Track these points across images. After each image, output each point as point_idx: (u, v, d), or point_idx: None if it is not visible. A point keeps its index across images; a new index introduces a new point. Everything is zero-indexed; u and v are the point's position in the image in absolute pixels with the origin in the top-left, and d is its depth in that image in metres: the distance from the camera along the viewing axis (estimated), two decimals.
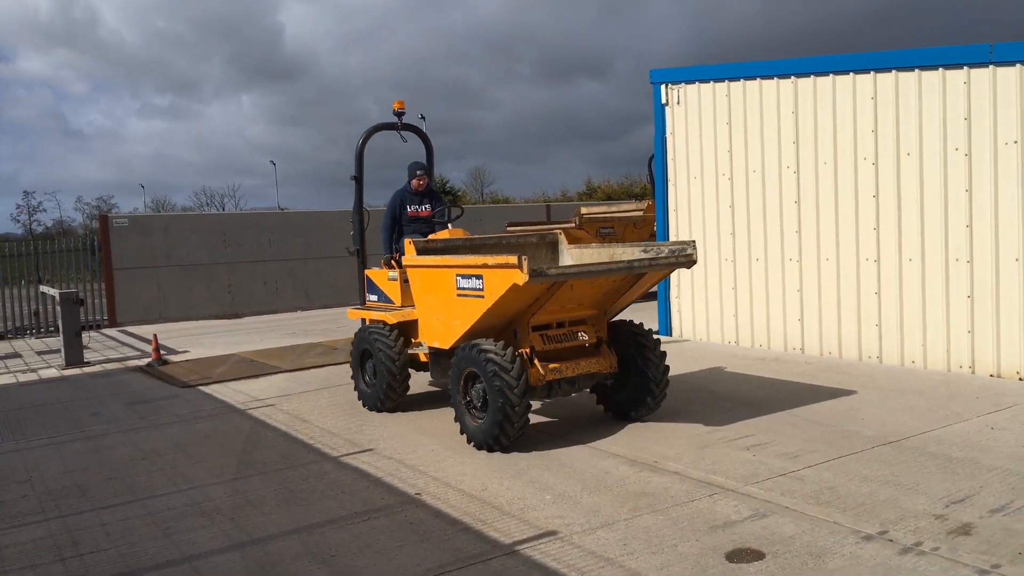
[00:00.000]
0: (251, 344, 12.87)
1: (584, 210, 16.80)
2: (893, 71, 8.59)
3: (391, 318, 7.49)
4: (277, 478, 5.79)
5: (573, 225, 16.12)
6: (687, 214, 11.05)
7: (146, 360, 11.49)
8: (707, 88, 10.67)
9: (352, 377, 7.94)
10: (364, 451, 6.36)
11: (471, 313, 6.16)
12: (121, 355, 12.55)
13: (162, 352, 11.84)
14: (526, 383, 5.89)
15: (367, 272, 8.42)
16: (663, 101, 11.27)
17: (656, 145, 11.46)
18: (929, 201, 8.36)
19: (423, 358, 7.27)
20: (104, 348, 13.61)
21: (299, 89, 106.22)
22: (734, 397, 7.53)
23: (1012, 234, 7.74)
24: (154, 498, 5.51)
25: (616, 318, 6.95)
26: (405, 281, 7.51)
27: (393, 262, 7.88)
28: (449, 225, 8.35)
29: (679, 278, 11.15)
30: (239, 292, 18.52)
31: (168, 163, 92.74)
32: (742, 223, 10.29)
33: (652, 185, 13.19)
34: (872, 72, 8.78)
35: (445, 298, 6.48)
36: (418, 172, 8.30)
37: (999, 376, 7.86)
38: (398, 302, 7.76)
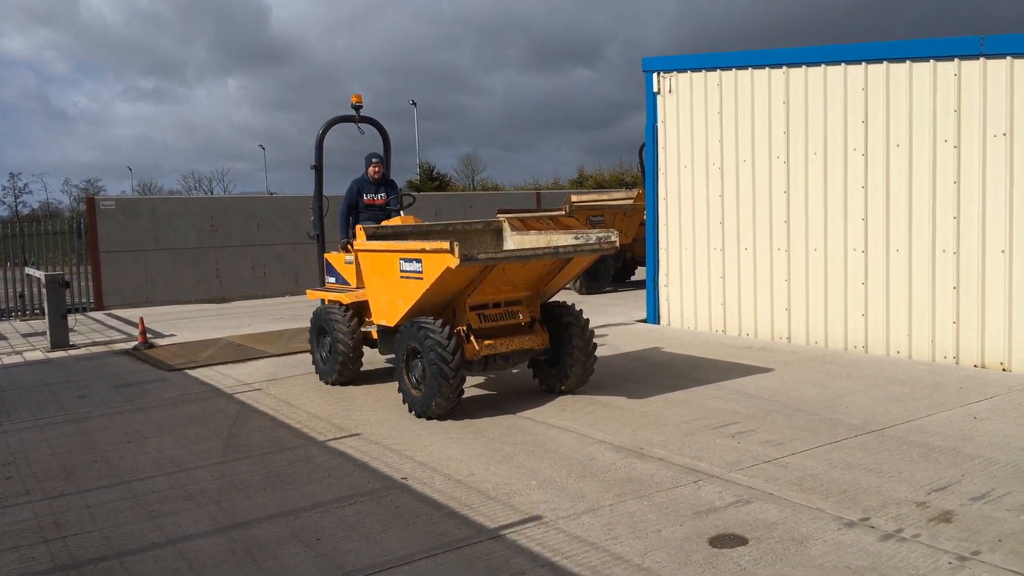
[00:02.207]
0: (239, 328, 12.82)
1: (575, 198, 16.78)
2: (884, 62, 8.60)
3: (346, 298, 8.04)
4: (263, 462, 5.79)
5: (563, 213, 16.09)
6: (677, 203, 11.06)
7: (132, 343, 11.44)
8: (699, 77, 10.65)
9: (311, 351, 8.45)
10: (351, 435, 6.36)
11: (412, 293, 6.71)
12: (107, 338, 12.48)
13: (149, 336, 11.78)
14: (461, 357, 6.47)
15: (326, 256, 8.91)
16: (655, 90, 11.24)
17: (647, 134, 11.45)
18: (917, 192, 8.40)
19: (375, 335, 7.74)
20: (90, 331, 13.53)
21: (286, 73, 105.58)
22: (720, 384, 7.57)
23: (999, 226, 7.78)
24: (139, 481, 5.49)
25: (552, 300, 7.58)
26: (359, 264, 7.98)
27: (349, 246, 8.29)
28: (401, 212, 8.96)
29: (668, 266, 11.18)
30: (227, 276, 18.43)
31: (154, 146, 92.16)
32: (731, 212, 10.31)
33: (643, 174, 13.18)
34: (863, 63, 8.78)
35: (391, 280, 7.00)
36: (373, 160, 8.91)
37: (983, 366, 7.93)
38: (353, 284, 8.26)
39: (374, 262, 7.30)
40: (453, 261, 6.05)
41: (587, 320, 7.33)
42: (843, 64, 8.95)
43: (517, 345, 6.94)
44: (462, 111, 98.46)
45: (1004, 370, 7.77)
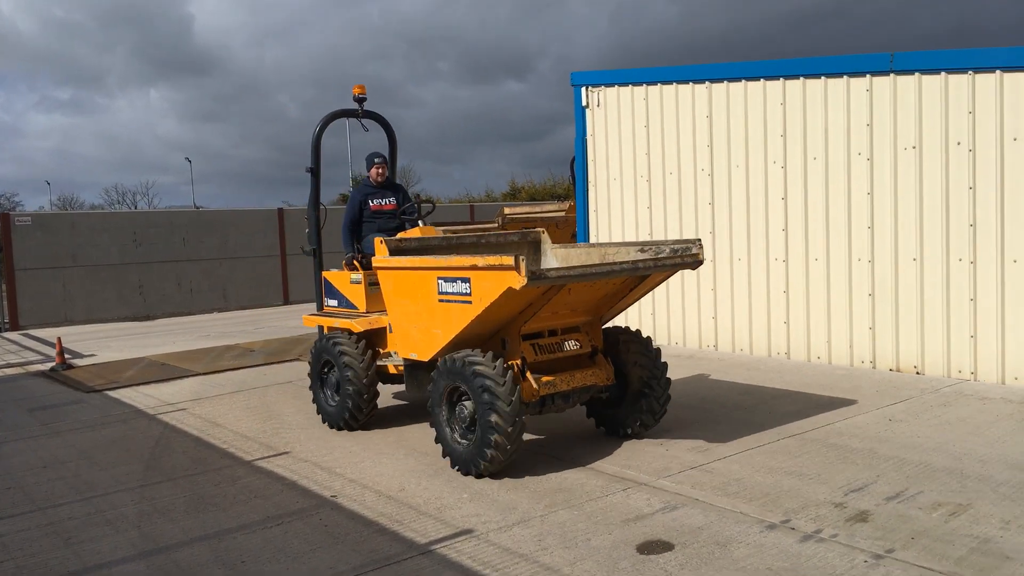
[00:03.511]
0: (163, 347, 12.45)
1: (507, 210, 16.86)
2: (801, 78, 8.92)
3: (357, 326, 6.77)
4: (187, 484, 5.63)
5: (496, 226, 16.16)
6: (607, 215, 11.23)
7: (49, 364, 10.99)
8: (626, 91, 10.86)
9: (312, 389, 7.14)
10: (279, 454, 6.24)
11: (456, 321, 5.47)
12: (23, 359, 11.96)
13: (67, 356, 11.34)
14: (520, 400, 5.23)
15: (325, 274, 7.65)
16: (584, 103, 11.42)
17: (577, 147, 11.61)
18: (834, 203, 8.73)
19: (393, 370, 6.65)
20: (4, 352, 12.96)
21: (212, 84, 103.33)
22: None
23: (910, 235, 8.14)
24: (55, 507, 5.28)
25: (608, 324, 6.44)
26: (372, 284, 6.90)
27: (356, 263, 7.21)
28: (420, 222, 7.57)
29: None
30: (151, 293, 17.90)
31: (74, 159, 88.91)
32: (659, 224, 10.52)
33: (575, 186, 13.35)
34: (781, 79, 9.10)
35: (424, 304, 5.73)
36: (376, 160, 7.66)
37: (898, 370, 8.26)
38: (362, 308, 7.08)
39: (401, 282, 5.99)
40: (518, 280, 4.85)
41: (658, 348, 6.20)
42: (762, 80, 9.26)
43: (580, 381, 5.76)
44: (395, 124, 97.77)
45: (917, 373, 8.11)
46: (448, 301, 5.51)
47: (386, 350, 6.80)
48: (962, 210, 7.74)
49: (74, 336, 14.40)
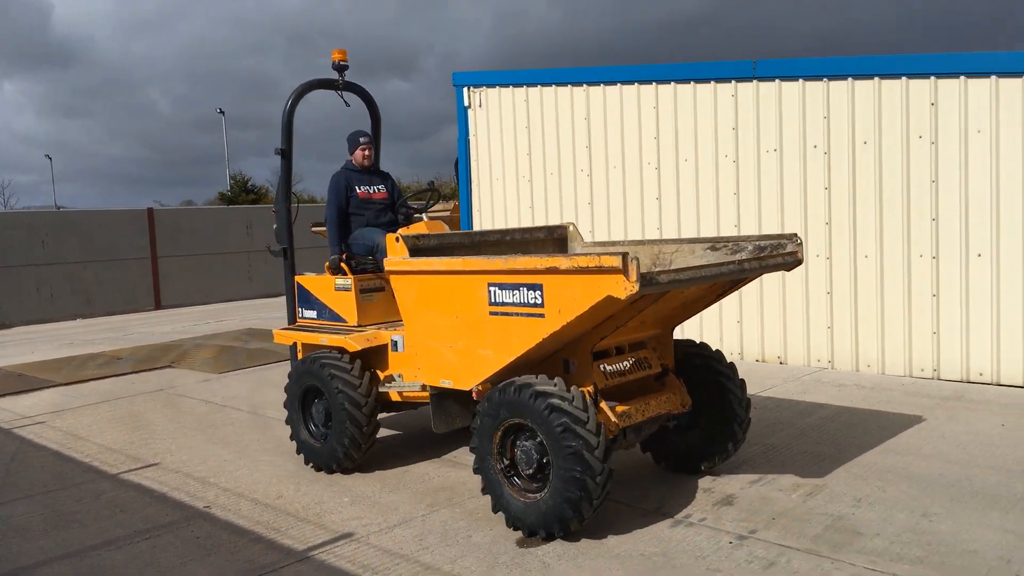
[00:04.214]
0: (19, 356, 11.63)
1: None
2: (672, 83, 9.28)
3: (352, 343, 5.51)
4: (46, 501, 5.29)
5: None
6: (491, 215, 11.32)
7: None
8: (507, 92, 10.98)
9: (288, 422, 5.83)
10: (148, 466, 5.96)
11: (518, 340, 4.34)
12: None
13: None
14: (607, 442, 4.15)
15: (299, 279, 6.34)
16: (466, 104, 11.46)
17: (460, 147, 11.64)
18: (704, 203, 9.12)
19: (396, 397, 5.51)
20: None
21: (74, 77, 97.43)
22: None
23: (769, 232, 8.61)
24: None
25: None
26: (365, 291, 5.90)
27: (344, 265, 6.02)
28: (424, 216, 6.41)
29: None
30: (7, 299, 16.66)
31: None
32: (541, 224, 10.68)
33: (459, 186, 13.37)
34: (654, 83, 9.43)
35: (467, 318, 4.59)
36: (362, 140, 6.37)
37: (763, 360, 8.73)
38: (353, 320, 5.89)
39: (429, 290, 4.80)
40: (625, 287, 3.76)
41: (733, 364, 5.19)
42: (636, 84, 9.57)
43: (655, 410, 4.75)
44: (274, 120, 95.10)
45: (781, 363, 8.60)
46: (505, 314, 4.36)
47: (387, 372, 5.60)
48: (819, 209, 8.26)
49: None
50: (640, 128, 9.58)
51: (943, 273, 7.56)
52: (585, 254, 3.99)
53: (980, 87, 7.28)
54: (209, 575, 4.06)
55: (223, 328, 13.70)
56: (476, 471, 4.52)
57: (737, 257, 4.83)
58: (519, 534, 4.35)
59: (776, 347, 8.67)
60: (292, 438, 5.80)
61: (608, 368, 4.67)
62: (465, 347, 4.67)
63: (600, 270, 3.85)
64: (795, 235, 4.77)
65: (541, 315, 4.19)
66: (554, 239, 6.09)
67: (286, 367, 9.62)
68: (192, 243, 19.24)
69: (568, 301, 4.06)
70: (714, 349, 5.21)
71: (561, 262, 4.05)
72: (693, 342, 5.28)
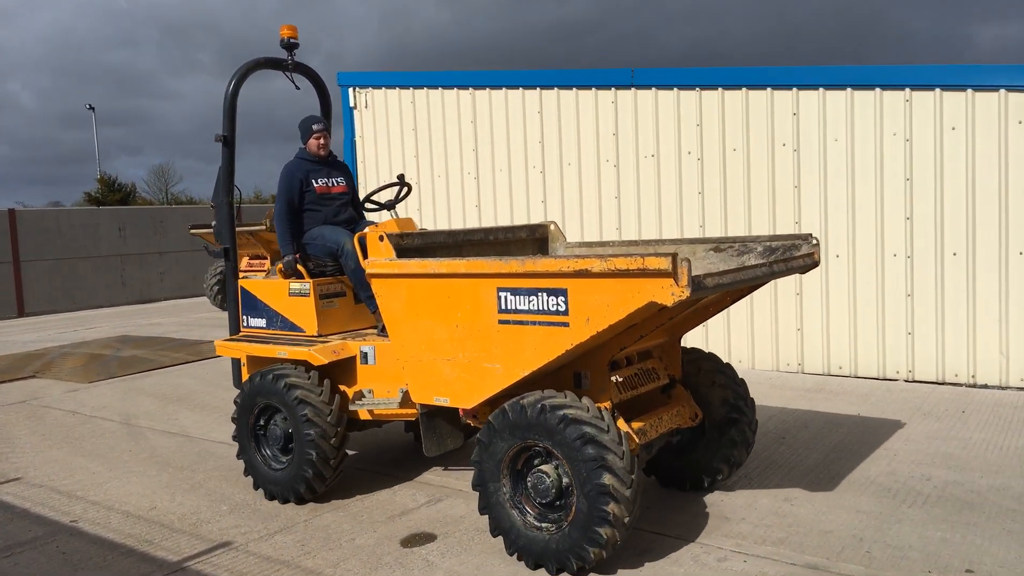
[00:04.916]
0: None
1: None
2: (555, 88, 9.49)
3: (317, 356, 4.87)
4: None
5: (264, 228, 15.56)
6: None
7: None
8: (393, 94, 10.93)
9: (240, 455, 5.23)
10: (7, 481, 5.61)
11: (535, 352, 3.90)
12: None
13: None
14: (635, 466, 3.75)
15: (244, 283, 5.65)
16: (352, 105, 11.33)
17: (346, 148, 11.49)
18: (587, 206, 9.38)
19: (365, 415, 5.01)
20: None
21: None
22: None
23: (650, 235, 8.95)
24: None
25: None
26: (325, 297, 5.32)
27: (301, 268, 5.36)
28: (396, 211, 5.95)
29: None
30: None
31: None
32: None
33: None
34: (538, 88, 9.62)
35: (470, 327, 4.12)
36: (315, 128, 5.67)
37: None
38: (312, 329, 5.23)
39: (422, 295, 4.28)
40: (673, 291, 3.40)
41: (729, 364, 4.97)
42: (521, 88, 9.73)
43: (667, 424, 4.44)
44: (148, 117, 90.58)
45: None
46: (519, 323, 3.91)
47: (355, 388, 5.06)
48: (693, 214, 8.65)
49: None
50: (525, 132, 9.75)
51: (807, 277, 8.07)
52: (616, 255, 3.57)
53: (837, 98, 7.82)
54: None
55: (93, 335, 12.99)
56: (482, 509, 4.05)
57: (769, 260, 4.48)
58: (404, 535, 4.37)
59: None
60: (247, 473, 5.20)
61: (621, 379, 4.30)
62: (467, 360, 4.18)
63: (644, 273, 3.46)
64: (810, 235, 4.50)
65: (564, 324, 3.75)
66: (535, 239, 5.68)
67: (161, 375, 9.27)
68: (59, 247, 18.14)
69: (599, 308, 3.63)
70: (706, 351, 4.97)
71: (594, 264, 3.60)
72: (696, 349, 5.00)
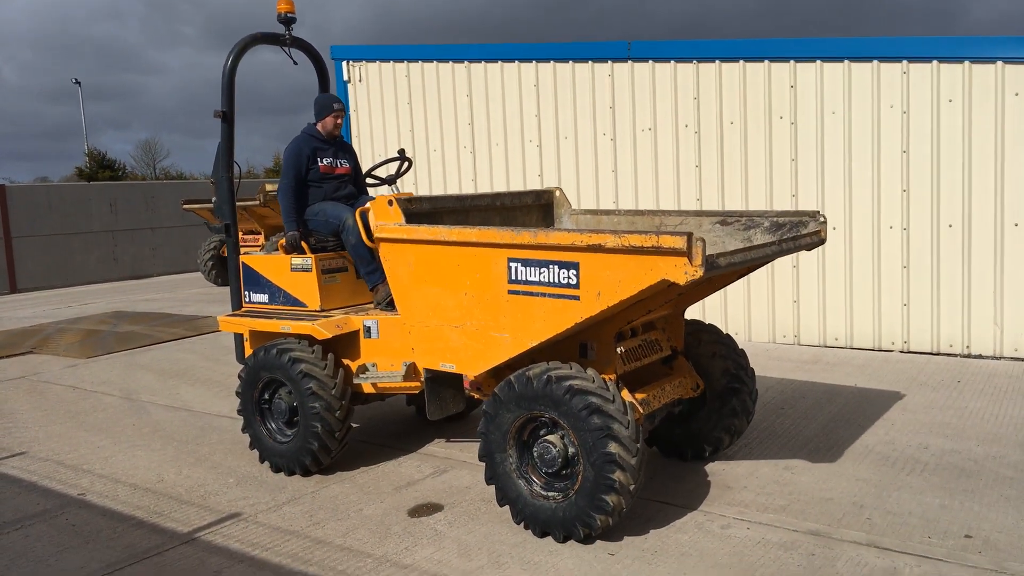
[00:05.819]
0: None
1: (269, 187, 16.19)
2: (552, 62, 9.44)
3: (321, 330, 4.89)
4: None
5: (257, 203, 15.49)
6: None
7: None
8: (388, 68, 10.85)
9: (245, 429, 5.26)
10: (13, 455, 5.64)
11: (544, 324, 3.93)
12: None
13: None
14: (640, 435, 3.84)
15: (245, 259, 5.66)
16: (345, 78, 11.25)
17: None
18: (584, 180, 9.38)
19: (369, 389, 5.06)
20: None
21: None
22: None
23: (644, 207, 8.96)
24: None
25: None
26: (327, 272, 5.34)
27: (304, 243, 5.37)
28: (396, 186, 6.01)
29: None
30: None
31: None
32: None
33: None
34: (534, 62, 9.57)
35: (479, 296, 4.15)
36: (335, 106, 5.64)
37: None
38: (315, 305, 5.28)
39: (431, 262, 4.32)
40: (687, 270, 3.41)
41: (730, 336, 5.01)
42: (517, 62, 9.67)
43: (669, 395, 4.48)
44: (135, 92, 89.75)
45: None
46: (528, 294, 3.93)
47: (359, 362, 5.07)
48: (690, 188, 8.66)
49: None
50: (521, 106, 9.72)
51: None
52: (636, 232, 3.55)
53: (834, 71, 7.82)
54: (88, 562, 3.92)
55: (88, 311, 12.96)
56: (489, 479, 4.11)
57: (778, 237, 4.47)
58: (411, 505, 4.43)
59: None
60: (252, 446, 5.24)
61: (625, 351, 4.35)
62: (475, 328, 4.21)
63: (658, 251, 3.45)
64: (817, 212, 4.48)
65: (575, 297, 3.76)
66: (541, 204, 5.68)
67: (160, 350, 9.28)
68: (50, 223, 18.01)
69: (611, 283, 3.64)
70: (707, 323, 5.01)
71: (608, 239, 3.60)
72: (697, 321, 5.03)
